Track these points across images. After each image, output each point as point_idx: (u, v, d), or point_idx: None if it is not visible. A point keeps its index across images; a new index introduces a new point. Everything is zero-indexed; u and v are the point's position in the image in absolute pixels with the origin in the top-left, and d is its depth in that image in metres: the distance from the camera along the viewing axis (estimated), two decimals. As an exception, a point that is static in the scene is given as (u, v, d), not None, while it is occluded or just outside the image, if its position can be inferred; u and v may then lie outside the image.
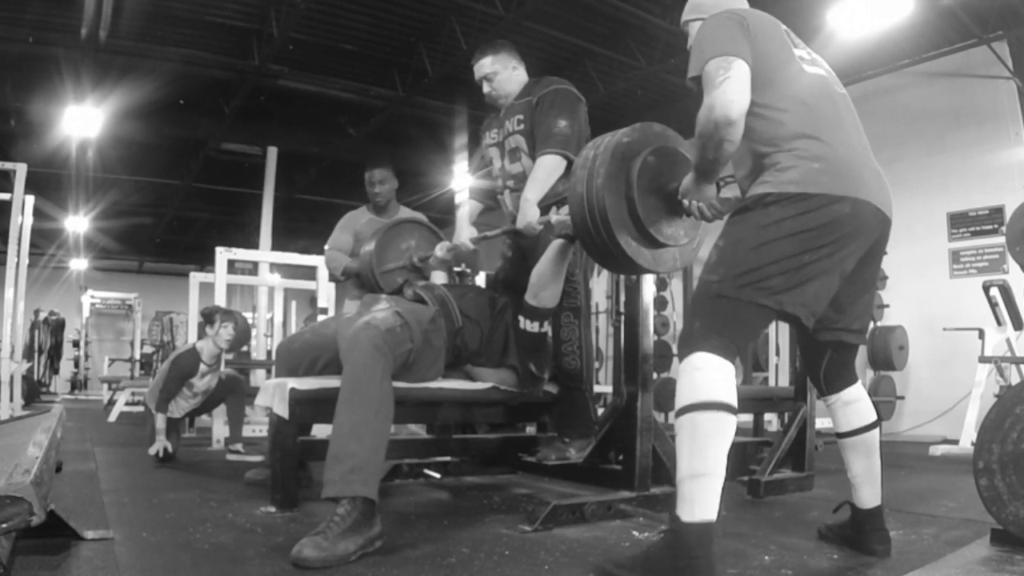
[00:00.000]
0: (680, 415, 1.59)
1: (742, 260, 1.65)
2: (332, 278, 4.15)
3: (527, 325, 2.51)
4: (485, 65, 2.90)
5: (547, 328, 2.56)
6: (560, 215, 2.37)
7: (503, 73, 2.89)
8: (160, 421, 3.73)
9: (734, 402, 1.59)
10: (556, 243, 2.41)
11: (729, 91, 1.61)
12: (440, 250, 2.96)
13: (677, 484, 1.57)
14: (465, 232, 2.87)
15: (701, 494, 1.53)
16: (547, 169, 2.62)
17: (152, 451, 3.61)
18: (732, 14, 1.78)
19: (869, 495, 1.92)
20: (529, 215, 2.55)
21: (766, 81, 1.71)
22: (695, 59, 1.74)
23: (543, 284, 2.45)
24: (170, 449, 3.66)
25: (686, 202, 1.83)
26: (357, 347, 2.04)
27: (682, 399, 1.60)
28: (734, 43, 1.69)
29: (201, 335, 4.05)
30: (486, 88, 2.93)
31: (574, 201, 1.99)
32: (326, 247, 3.83)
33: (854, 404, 1.95)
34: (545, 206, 2.61)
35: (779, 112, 1.71)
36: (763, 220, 1.66)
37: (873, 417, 1.95)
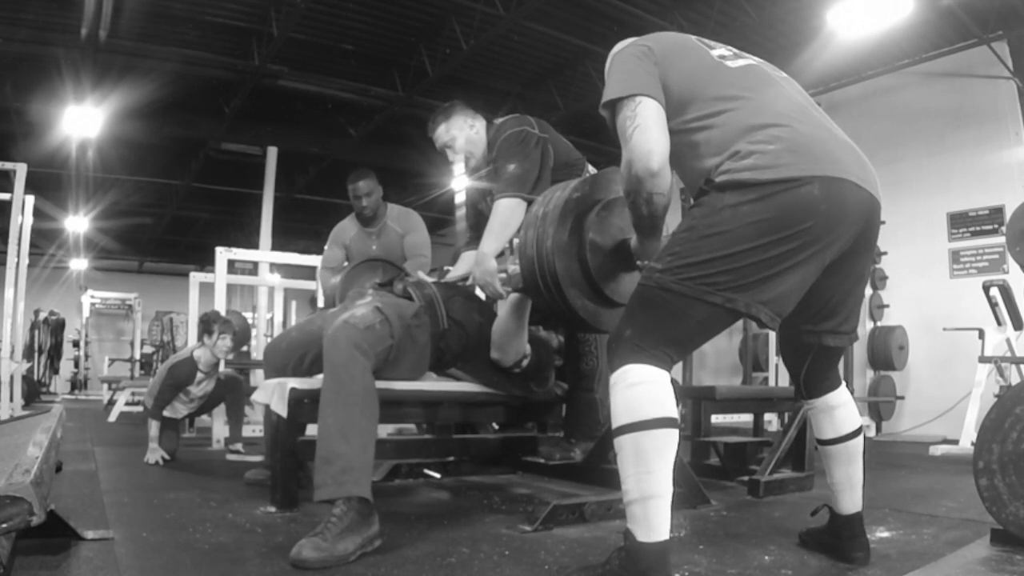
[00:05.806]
0: (620, 435, 1.47)
1: (690, 249, 1.48)
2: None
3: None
4: (441, 135, 2.75)
5: (527, 364, 2.49)
6: (518, 267, 2.27)
7: (461, 136, 2.73)
8: (153, 428, 3.71)
9: (675, 413, 1.48)
10: (513, 296, 2.33)
11: (644, 141, 1.49)
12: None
13: (626, 505, 1.48)
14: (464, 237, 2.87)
15: (654, 514, 1.45)
16: (502, 216, 2.50)
17: (149, 461, 3.60)
18: (634, 45, 1.66)
19: (849, 502, 1.83)
20: (488, 268, 2.42)
21: (690, 96, 1.57)
22: (603, 103, 1.60)
23: (507, 339, 2.39)
24: (167, 457, 3.65)
25: (639, 264, 1.79)
26: (336, 346, 2.02)
27: (620, 418, 1.47)
28: (636, 79, 1.56)
29: (200, 338, 4.04)
30: (451, 157, 2.78)
31: (525, 265, 1.92)
32: (319, 266, 3.80)
33: (839, 409, 1.84)
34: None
35: (715, 117, 1.55)
36: (717, 204, 1.48)
37: (858, 423, 1.85)
